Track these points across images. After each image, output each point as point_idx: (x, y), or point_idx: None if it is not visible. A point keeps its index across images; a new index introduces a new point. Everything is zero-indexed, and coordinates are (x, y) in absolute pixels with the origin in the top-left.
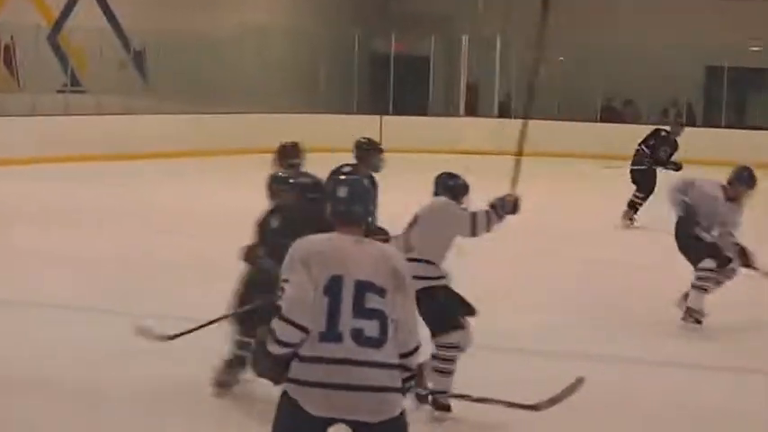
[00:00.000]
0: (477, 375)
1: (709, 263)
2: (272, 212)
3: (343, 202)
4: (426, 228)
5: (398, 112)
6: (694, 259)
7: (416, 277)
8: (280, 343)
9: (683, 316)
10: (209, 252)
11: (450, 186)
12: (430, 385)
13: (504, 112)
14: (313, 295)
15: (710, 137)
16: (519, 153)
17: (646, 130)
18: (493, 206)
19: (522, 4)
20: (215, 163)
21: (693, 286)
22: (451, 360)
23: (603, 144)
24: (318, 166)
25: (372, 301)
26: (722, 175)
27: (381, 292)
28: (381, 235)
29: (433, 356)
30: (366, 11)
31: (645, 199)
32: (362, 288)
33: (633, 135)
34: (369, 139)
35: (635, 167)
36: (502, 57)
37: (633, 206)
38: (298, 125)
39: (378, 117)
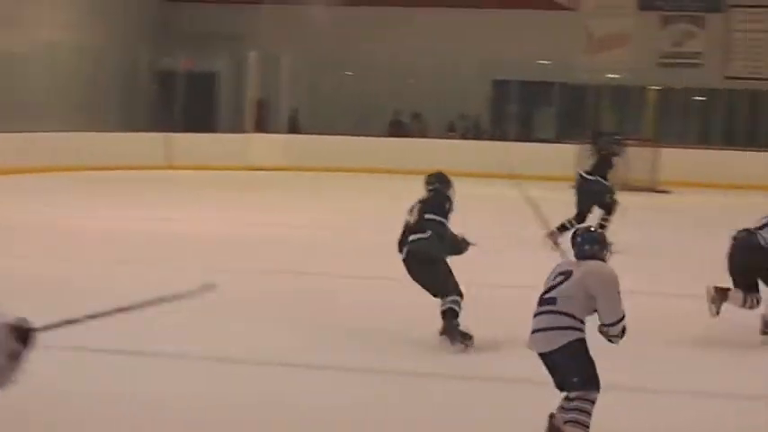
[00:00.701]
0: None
1: None
2: None
3: None
4: (579, 289)
5: (187, 129)
6: None
7: (561, 327)
8: None
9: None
10: None
11: (596, 238)
12: None
13: (292, 128)
14: None
15: (498, 150)
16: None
17: (433, 143)
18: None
19: (309, 22)
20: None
21: None
22: (590, 414)
23: (391, 159)
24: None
25: None
26: (505, 188)
27: None
28: (466, 244)
29: (575, 409)
30: (153, 28)
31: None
32: None
33: (420, 149)
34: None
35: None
36: (290, 73)
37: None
38: (84, 143)
39: (165, 134)
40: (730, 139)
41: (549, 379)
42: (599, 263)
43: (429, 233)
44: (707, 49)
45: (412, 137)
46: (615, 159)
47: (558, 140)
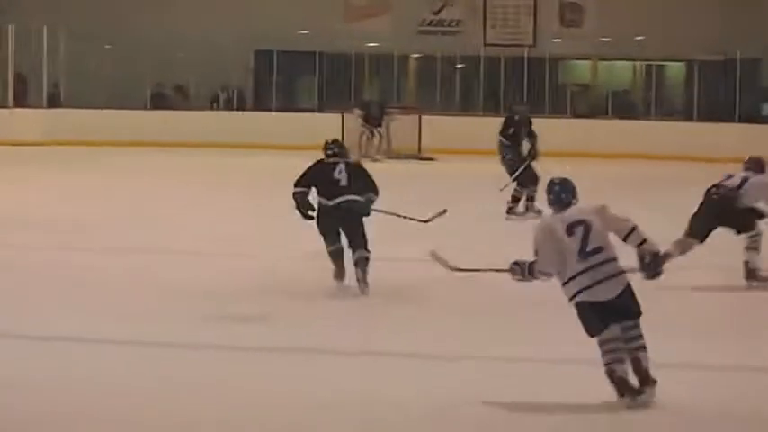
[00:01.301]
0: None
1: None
2: None
3: None
4: (602, 229)
5: None
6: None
7: (621, 272)
8: None
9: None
10: None
11: (571, 188)
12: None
13: (52, 102)
14: None
15: (262, 121)
16: None
17: (196, 116)
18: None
19: None
20: None
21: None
22: None
23: (154, 132)
24: None
25: None
26: (282, 158)
27: None
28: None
29: (640, 336)
30: None
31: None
32: None
33: (184, 121)
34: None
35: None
36: (49, 47)
37: (516, 200)
38: None
39: None
40: (491, 106)
41: None
42: (587, 205)
43: (366, 196)
44: (465, 17)
45: (175, 109)
46: (518, 119)
47: (320, 110)
